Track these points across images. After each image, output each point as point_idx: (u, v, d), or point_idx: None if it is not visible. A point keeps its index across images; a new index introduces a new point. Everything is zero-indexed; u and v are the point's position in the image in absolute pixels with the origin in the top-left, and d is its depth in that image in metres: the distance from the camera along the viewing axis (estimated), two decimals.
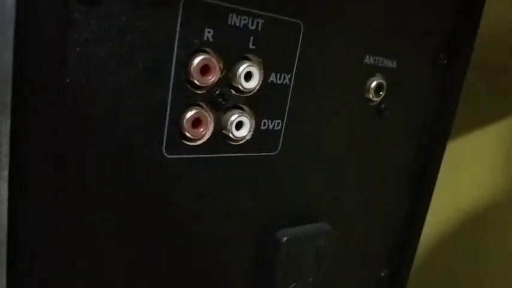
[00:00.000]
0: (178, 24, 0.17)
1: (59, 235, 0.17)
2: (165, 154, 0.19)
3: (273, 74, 0.21)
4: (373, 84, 0.25)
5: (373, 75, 0.25)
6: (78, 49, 0.16)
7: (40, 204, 0.16)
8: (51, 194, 0.16)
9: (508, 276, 0.43)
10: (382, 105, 0.26)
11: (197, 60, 0.18)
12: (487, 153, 0.45)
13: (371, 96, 0.25)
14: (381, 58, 0.25)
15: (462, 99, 0.31)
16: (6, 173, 0.15)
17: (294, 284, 0.25)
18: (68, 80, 0.16)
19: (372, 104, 0.26)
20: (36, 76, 0.15)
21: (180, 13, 0.17)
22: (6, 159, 0.15)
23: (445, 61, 0.29)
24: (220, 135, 0.20)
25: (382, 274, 0.33)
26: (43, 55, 0.15)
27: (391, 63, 0.26)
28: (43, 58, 0.15)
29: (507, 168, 0.44)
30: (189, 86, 0.18)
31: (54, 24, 0.15)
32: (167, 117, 0.18)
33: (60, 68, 0.15)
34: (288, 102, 0.22)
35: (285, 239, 0.24)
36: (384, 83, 0.26)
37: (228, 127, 0.20)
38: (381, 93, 0.26)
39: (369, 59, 0.25)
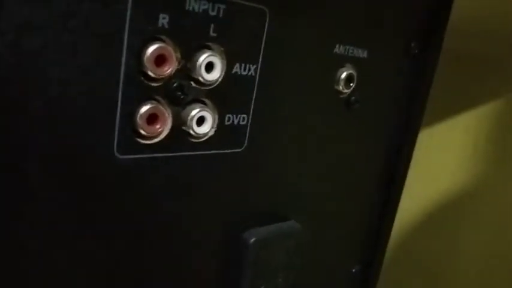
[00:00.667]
0: (129, 8, 0.16)
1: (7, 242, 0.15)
2: (117, 154, 0.17)
3: (237, 65, 0.19)
4: (343, 75, 0.24)
5: (343, 66, 0.24)
6: (9, 38, 0.13)
7: None
8: None
9: (481, 266, 0.43)
10: (353, 98, 0.25)
11: (151, 49, 0.16)
12: (456, 143, 0.45)
13: (341, 88, 0.24)
14: (351, 47, 0.24)
15: (431, 89, 0.30)
16: None
17: (263, 286, 0.24)
18: (2, 73, 0.14)
19: (341, 96, 0.25)
20: None
21: None
22: None
23: (417, 50, 0.28)
24: (179, 132, 0.18)
25: (354, 270, 0.32)
26: None
27: (361, 53, 0.25)
28: None
29: (476, 157, 0.44)
30: (142, 78, 0.17)
31: None
32: (118, 113, 0.16)
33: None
34: (254, 95, 0.21)
35: (252, 240, 0.22)
36: (354, 74, 0.25)
37: (188, 123, 0.18)
38: (351, 84, 0.25)
39: (339, 48, 0.23)
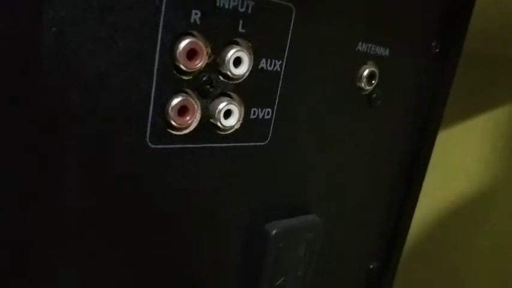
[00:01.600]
0: (164, 5, 0.16)
1: (36, 234, 0.16)
2: (149, 144, 0.18)
3: (263, 60, 0.20)
4: (366, 72, 0.24)
5: (365, 63, 0.25)
6: (54, 29, 0.14)
7: (18, 198, 0.15)
8: (27, 188, 0.15)
9: (496, 266, 0.43)
10: (374, 95, 0.26)
11: (183, 43, 0.17)
12: (474, 144, 0.45)
13: (363, 85, 0.25)
14: (373, 45, 0.24)
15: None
16: None
17: (283, 277, 0.24)
18: (43, 63, 0.14)
19: (363, 93, 0.25)
20: (6, 59, 0.14)
21: None
22: None
23: (437, 50, 0.29)
24: (207, 124, 0.19)
25: (371, 266, 0.32)
26: (14, 35, 0.14)
27: (383, 51, 0.25)
28: (14, 39, 0.14)
29: (493, 159, 0.44)
30: (174, 71, 0.17)
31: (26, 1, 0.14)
32: (151, 104, 0.17)
33: (34, 50, 0.14)
34: (279, 90, 0.21)
35: (274, 231, 0.23)
36: (376, 72, 0.25)
37: (216, 116, 0.19)
38: (373, 81, 0.25)
39: (361, 46, 0.24)
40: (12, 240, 0.16)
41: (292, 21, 0.20)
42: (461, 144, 0.45)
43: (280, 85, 0.21)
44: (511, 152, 0.43)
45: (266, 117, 0.21)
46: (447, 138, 0.44)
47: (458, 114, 0.44)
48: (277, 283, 0.24)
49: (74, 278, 0.17)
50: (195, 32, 0.17)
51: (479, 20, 0.30)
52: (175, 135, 0.18)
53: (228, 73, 0.19)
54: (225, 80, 0.19)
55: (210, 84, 0.18)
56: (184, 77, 0.18)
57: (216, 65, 0.18)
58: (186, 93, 0.18)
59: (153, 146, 0.18)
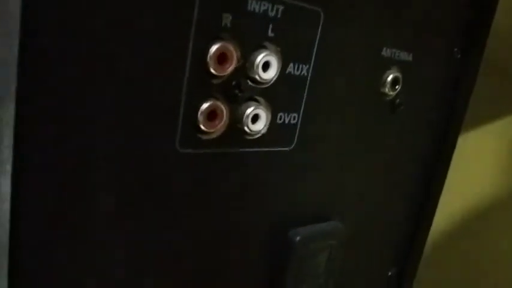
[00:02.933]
0: (196, 8, 0.16)
1: (64, 235, 0.16)
2: (179, 148, 0.17)
3: (291, 65, 0.20)
4: (390, 77, 0.24)
5: (389, 69, 0.24)
6: (90, 31, 0.14)
7: (45, 203, 0.15)
8: (57, 191, 0.15)
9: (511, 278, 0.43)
10: (397, 100, 0.25)
11: (214, 47, 0.17)
12: (490, 151, 0.45)
13: (387, 90, 0.24)
14: (397, 51, 0.24)
15: None
16: (9, 167, 0.13)
17: (305, 284, 0.24)
18: (77, 64, 0.14)
19: (387, 98, 0.25)
20: (44, 58, 0.14)
21: None
22: (9, 152, 0.13)
23: (459, 56, 0.29)
24: (235, 128, 0.19)
25: (390, 273, 0.32)
26: (51, 35, 0.14)
27: (407, 56, 0.25)
28: (52, 38, 0.14)
29: (509, 168, 0.44)
30: (205, 75, 0.17)
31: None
32: (182, 108, 0.17)
33: (70, 50, 0.14)
34: (305, 95, 0.21)
35: (298, 238, 0.23)
36: (400, 77, 0.25)
37: (243, 120, 0.19)
38: (397, 87, 0.25)
39: (386, 51, 0.24)
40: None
41: (320, 26, 0.20)
42: (477, 151, 0.45)
43: (306, 90, 0.21)
44: None
45: (292, 122, 0.21)
46: (464, 146, 0.43)
47: (476, 119, 0.44)
48: None
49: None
50: (225, 36, 0.17)
51: (501, 25, 0.30)
52: (204, 139, 0.18)
53: (257, 77, 0.19)
54: (253, 85, 0.19)
55: (238, 89, 0.18)
56: (214, 81, 0.18)
57: (245, 69, 0.18)
58: (215, 97, 0.18)
59: (182, 150, 0.17)
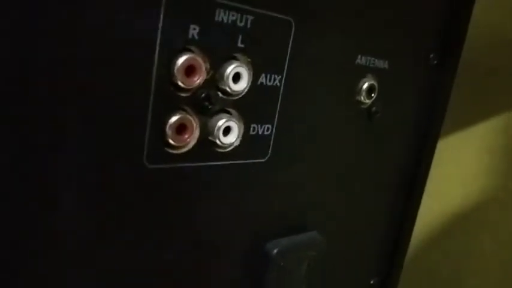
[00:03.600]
0: (161, 19, 0.16)
1: (29, 254, 0.15)
2: (146, 164, 0.17)
3: (263, 75, 0.19)
4: (365, 85, 0.24)
5: (364, 76, 0.24)
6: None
7: (9, 218, 0.14)
8: (20, 207, 0.14)
9: (496, 276, 0.43)
10: (374, 108, 0.25)
11: (181, 59, 0.16)
12: (471, 155, 0.45)
13: (362, 98, 0.24)
14: (372, 58, 0.24)
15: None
16: None
17: None
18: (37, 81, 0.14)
19: (363, 106, 0.25)
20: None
21: (162, 7, 0.16)
22: None
23: (435, 61, 0.29)
24: (206, 142, 0.18)
25: (372, 282, 0.32)
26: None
27: (382, 64, 0.25)
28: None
29: (491, 169, 0.44)
30: (172, 88, 0.17)
31: None
32: (148, 122, 0.16)
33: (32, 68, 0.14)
34: (278, 106, 0.21)
35: (275, 251, 0.22)
36: (376, 84, 0.25)
37: (214, 133, 0.18)
38: (373, 95, 0.25)
39: (360, 59, 0.24)
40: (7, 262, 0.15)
41: (292, 35, 0.20)
42: (459, 155, 0.45)
43: (279, 100, 0.21)
44: (509, 162, 0.43)
45: (266, 133, 0.21)
46: (444, 149, 0.43)
47: (456, 124, 0.44)
48: None
49: None
50: (193, 48, 0.17)
51: (477, 30, 0.30)
52: (173, 154, 0.18)
53: (227, 89, 0.18)
54: (224, 96, 0.18)
55: (208, 101, 0.18)
56: (183, 94, 0.17)
57: (214, 81, 0.18)
58: (184, 110, 0.17)
59: (150, 165, 0.17)
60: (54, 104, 0.14)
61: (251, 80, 0.19)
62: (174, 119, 0.17)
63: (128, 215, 0.17)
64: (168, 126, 0.17)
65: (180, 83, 0.17)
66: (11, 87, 0.13)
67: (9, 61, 0.13)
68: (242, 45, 0.18)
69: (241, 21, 0.18)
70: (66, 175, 0.15)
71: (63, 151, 0.15)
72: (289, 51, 0.20)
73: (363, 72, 0.24)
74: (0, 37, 0.13)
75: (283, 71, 0.20)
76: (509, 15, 0.40)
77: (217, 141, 0.19)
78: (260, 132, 0.20)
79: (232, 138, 0.19)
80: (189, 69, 0.17)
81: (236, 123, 0.19)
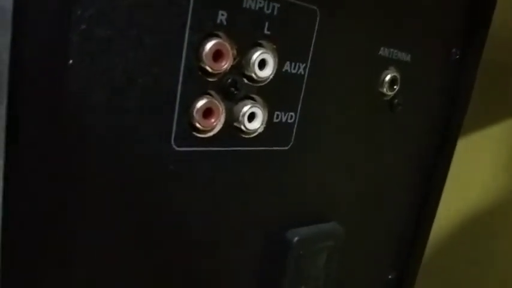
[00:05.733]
0: (191, 4, 0.16)
1: (57, 237, 0.15)
2: (174, 146, 0.17)
3: (288, 63, 0.20)
4: (388, 77, 0.24)
5: (387, 69, 0.24)
6: (82, 27, 0.14)
7: (38, 201, 0.15)
8: (50, 189, 0.15)
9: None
10: (396, 100, 0.25)
11: (210, 44, 0.17)
12: (489, 155, 0.45)
13: (385, 90, 0.24)
14: (395, 50, 0.24)
15: None
16: (1, 162, 0.13)
17: (303, 286, 0.24)
18: (70, 62, 0.14)
19: (385, 98, 0.25)
20: (35, 56, 0.14)
21: None
22: (1, 148, 0.13)
23: (457, 56, 0.28)
24: (231, 127, 0.19)
25: (390, 277, 0.32)
26: (43, 32, 0.14)
27: (405, 56, 0.25)
28: (43, 36, 0.14)
29: (509, 170, 0.43)
30: (200, 72, 0.17)
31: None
32: (177, 106, 0.17)
33: (63, 48, 0.14)
34: (302, 94, 0.21)
35: (295, 239, 0.22)
36: (398, 77, 0.25)
37: (240, 119, 0.19)
38: (395, 87, 0.25)
39: (383, 51, 0.24)
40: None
41: (317, 24, 0.20)
42: (478, 154, 0.44)
43: (303, 88, 0.21)
44: None
45: (289, 121, 0.21)
46: (464, 147, 0.43)
47: (475, 123, 0.44)
48: None
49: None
50: (221, 33, 0.17)
51: (498, 30, 0.30)
52: (200, 137, 0.18)
53: (253, 75, 0.18)
54: (249, 83, 0.19)
55: (234, 87, 0.18)
56: (210, 79, 0.17)
57: (240, 67, 0.18)
58: (211, 95, 0.18)
59: (177, 148, 0.17)
60: (89, 83, 0.15)
61: (276, 67, 0.19)
62: (201, 103, 0.17)
63: (155, 195, 0.17)
64: (195, 110, 0.17)
65: (208, 68, 0.17)
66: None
67: None
68: (268, 32, 0.18)
69: (268, 9, 0.18)
70: (94, 154, 0.16)
71: (91, 131, 0.15)
72: (313, 40, 0.20)
73: (385, 64, 0.24)
74: None
75: (308, 59, 0.20)
76: None
77: (242, 127, 0.19)
78: (284, 120, 0.21)
79: (256, 125, 0.19)
80: (217, 54, 0.17)
81: (261, 109, 0.19)
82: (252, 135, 0.20)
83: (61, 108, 0.14)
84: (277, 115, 0.20)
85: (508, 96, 0.43)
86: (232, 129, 0.19)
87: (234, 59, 0.18)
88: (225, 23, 0.17)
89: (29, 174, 0.14)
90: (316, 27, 0.20)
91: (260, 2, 0.18)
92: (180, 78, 0.17)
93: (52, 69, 0.14)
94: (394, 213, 0.30)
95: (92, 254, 0.17)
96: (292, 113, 0.21)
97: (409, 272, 0.32)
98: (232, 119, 0.19)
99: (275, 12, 0.18)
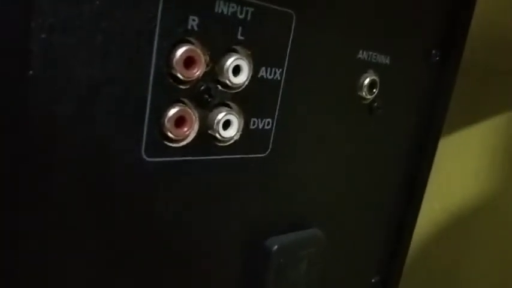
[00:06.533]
0: (160, 10, 0.15)
1: (20, 252, 0.15)
2: (145, 157, 0.17)
3: (263, 69, 0.19)
4: (367, 80, 0.24)
5: (366, 72, 0.24)
6: (42, 36, 0.13)
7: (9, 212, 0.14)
8: (12, 204, 0.14)
9: (499, 275, 0.43)
10: (375, 104, 0.25)
11: (180, 51, 0.16)
12: (472, 155, 0.45)
13: (364, 93, 0.24)
14: (374, 53, 0.24)
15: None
16: None
17: None
18: (30, 72, 0.13)
19: (364, 102, 0.25)
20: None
21: None
22: None
23: (437, 58, 0.28)
24: (205, 135, 0.18)
25: (373, 280, 0.31)
26: (2, 42, 0.13)
27: (384, 59, 0.25)
28: (2, 45, 0.13)
29: (491, 169, 0.43)
30: (171, 80, 0.16)
31: (14, 7, 0.13)
32: (147, 115, 0.16)
33: (22, 58, 0.13)
34: (279, 100, 0.20)
35: (275, 247, 0.22)
36: (377, 80, 0.24)
37: (214, 126, 0.18)
38: (374, 90, 0.24)
39: (362, 54, 0.23)
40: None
41: (293, 28, 0.20)
42: (460, 154, 0.45)
43: (280, 94, 0.20)
44: (510, 161, 0.42)
45: (266, 127, 0.20)
46: (445, 148, 0.43)
47: (458, 122, 0.44)
48: None
49: None
50: (192, 39, 0.17)
51: (480, 28, 0.30)
52: (172, 147, 0.17)
53: (227, 82, 0.18)
54: (224, 89, 0.18)
55: (208, 94, 0.18)
56: (182, 86, 0.17)
57: (214, 73, 0.18)
58: (183, 103, 0.17)
59: (148, 159, 0.17)
60: (52, 93, 0.14)
61: (251, 73, 0.19)
62: (173, 111, 0.17)
63: (126, 208, 0.17)
64: (167, 119, 0.17)
65: (179, 75, 0.16)
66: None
67: None
68: (242, 38, 0.18)
69: (241, 13, 0.18)
70: (61, 167, 0.15)
71: (56, 143, 0.15)
72: (290, 45, 0.20)
73: (364, 67, 0.24)
74: None
75: (284, 64, 0.20)
76: (510, 15, 0.39)
77: (217, 135, 0.18)
78: (260, 127, 0.20)
79: (232, 132, 0.19)
80: (188, 61, 0.16)
81: (236, 116, 0.19)
82: (228, 143, 0.19)
83: (26, 119, 0.14)
84: (254, 122, 0.20)
85: (488, 96, 0.43)
86: (206, 138, 0.18)
87: (207, 65, 0.17)
88: (196, 28, 0.17)
89: None
90: (292, 31, 0.20)
91: (233, 7, 0.17)
92: (150, 87, 0.16)
93: (12, 80, 0.13)
94: (375, 216, 0.30)
95: (59, 274, 0.16)
96: (269, 119, 0.20)
97: (393, 275, 0.32)
98: (206, 127, 0.18)
99: (249, 17, 0.18)
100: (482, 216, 0.44)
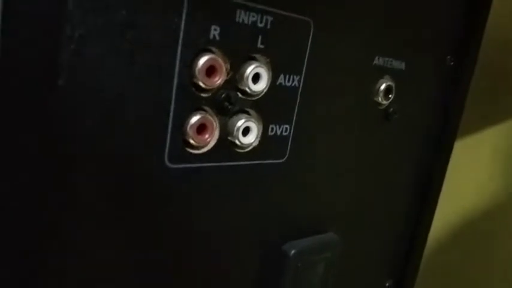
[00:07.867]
0: (183, 21, 0.16)
1: (48, 260, 0.15)
2: (168, 164, 0.17)
3: (282, 76, 0.20)
4: (383, 86, 0.24)
5: (382, 77, 0.24)
6: (72, 46, 0.14)
7: (27, 229, 0.14)
8: (40, 213, 0.15)
9: (511, 281, 0.42)
10: (391, 109, 0.25)
11: (203, 60, 0.16)
12: (486, 158, 0.45)
13: (380, 99, 0.24)
14: (390, 59, 0.24)
15: None
16: None
17: None
18: (60, 82, 0.14)
19: (380, 107, 0.25)
20: (23, 77, 0.13)
21: (185, 9, 0.16)
22: None
23: (452, 63, 0.28)
24: (225, 142, 0.19)
25: (387, 284, 0.31)
26: (32, 52, 0.13)
27: (399, 65, 0.25)
28: (32, 56, 0.13)
29: (506, 171, 0.43)
30: (193, 88, 0.17)
31: (45, 17, 0.13)
32: (170, 122, 0.17)
33: (52, 68, 0.14)
34: (297, 106, 0.21)
35: (292, 252, 0.22)
36: (393, 85, 0.25)
37: (234, 133, 0.18)
38: (390, 96, 0.25)
39: (378, 60, 0.24)
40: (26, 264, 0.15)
41: (311, 36, 0.20)
42: (474, 156, 0.44)
43: (298, 101, 0.21)
44: None
45: (284, 133, 0.21)
46: (460, 150, 0.43)
47: (471, 126, 0.44)
48: None
49: None
50: (214, 49, 0.17)
51: (494, 33, 0.30)
52: (194, 154, 0.18)
53: (247, 89, 0.18)
54: (244, 97, 0.19)
55: (228, 101, 0.18)
56: (203, 94, 0.17)
57: (234, 81, 0.18)
58: (205, 110, 0.17)
59: (171, 165, 0.17)
60: (81, 101, 0.14)
61: (270, 80, 0.19)
62: (194, 119, 0.17)
63: (150, 214, 0.17)
64: (189, 126, 0.17)
65: (201, 84, 0.17)
66: None
67: None
68: (262, 46, 0.18)
69: (261, 22, 0.18)
70: (87, 176, 0.15)
71: (83, 149, 0.15)
72: (307, 52, 0.20)
73: (380, 73, 0.24)
74: None
75: (302, 71, 0.20)
76: None
77: (237, 142, 0.19)
78: (278, 133, 0.20)
79: (251, 139, 0.19)
80: (210, 70, 0.17)
81: (255, 123, 0.19)
82: (247, 149, 0.19)
83: (52, 129, 0.14)
84: (272, 128, 0.20)
85: (503, 98, 0.43)
86: (226, 144, 0.19)
87: (228, 73, 0.18)
88: (217, 38, 0.17)
89: (19, 200, 0.14)
90: (310, 38, 0.20)
91: (253, 16, 0.18)
92: (173, 95, 0.16)
93: (42, 89, 0.14)
94: (390, 220, 0.30)
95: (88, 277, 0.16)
96: (287, 126, 0.21)
97: (407, 279, 0.32)
98: (226, 133, 0.19)
99: (268, 26, 0.18)
100: (496, 220, 0.43)
